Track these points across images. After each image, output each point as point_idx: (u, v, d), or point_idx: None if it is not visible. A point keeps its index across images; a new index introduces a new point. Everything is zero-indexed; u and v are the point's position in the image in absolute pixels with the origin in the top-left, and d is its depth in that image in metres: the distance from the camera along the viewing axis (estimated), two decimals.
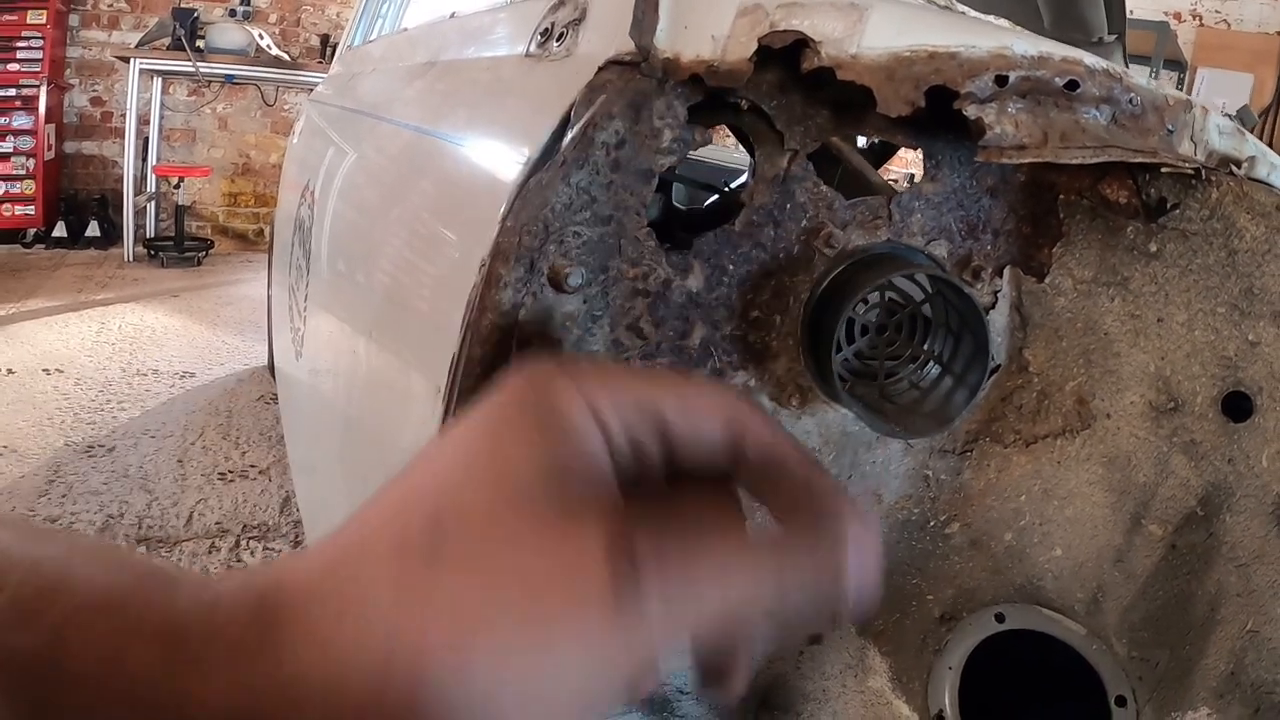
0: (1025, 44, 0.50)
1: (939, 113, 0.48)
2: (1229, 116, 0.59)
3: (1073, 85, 0.50)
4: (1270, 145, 0.58)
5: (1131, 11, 2.55)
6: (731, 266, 0.52)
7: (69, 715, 0.25)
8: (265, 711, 0.25)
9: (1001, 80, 0.48)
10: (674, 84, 0.47)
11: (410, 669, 0.24)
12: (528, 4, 0.73)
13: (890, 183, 0.61)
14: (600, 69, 0.48)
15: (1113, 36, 2.29)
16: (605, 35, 0.55)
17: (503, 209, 0.49)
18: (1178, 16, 5.92)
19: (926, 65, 0.47)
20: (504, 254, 0.46)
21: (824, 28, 0.46)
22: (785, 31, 0.45)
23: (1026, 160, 0.49)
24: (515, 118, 0.61)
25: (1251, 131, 0.61)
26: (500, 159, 0.58)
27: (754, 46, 0.45)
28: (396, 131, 0.98)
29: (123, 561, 0.28)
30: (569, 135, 0.47)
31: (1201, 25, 6.00)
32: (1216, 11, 6.01)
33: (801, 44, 0.46)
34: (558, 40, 0.62)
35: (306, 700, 0.25)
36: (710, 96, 0.48)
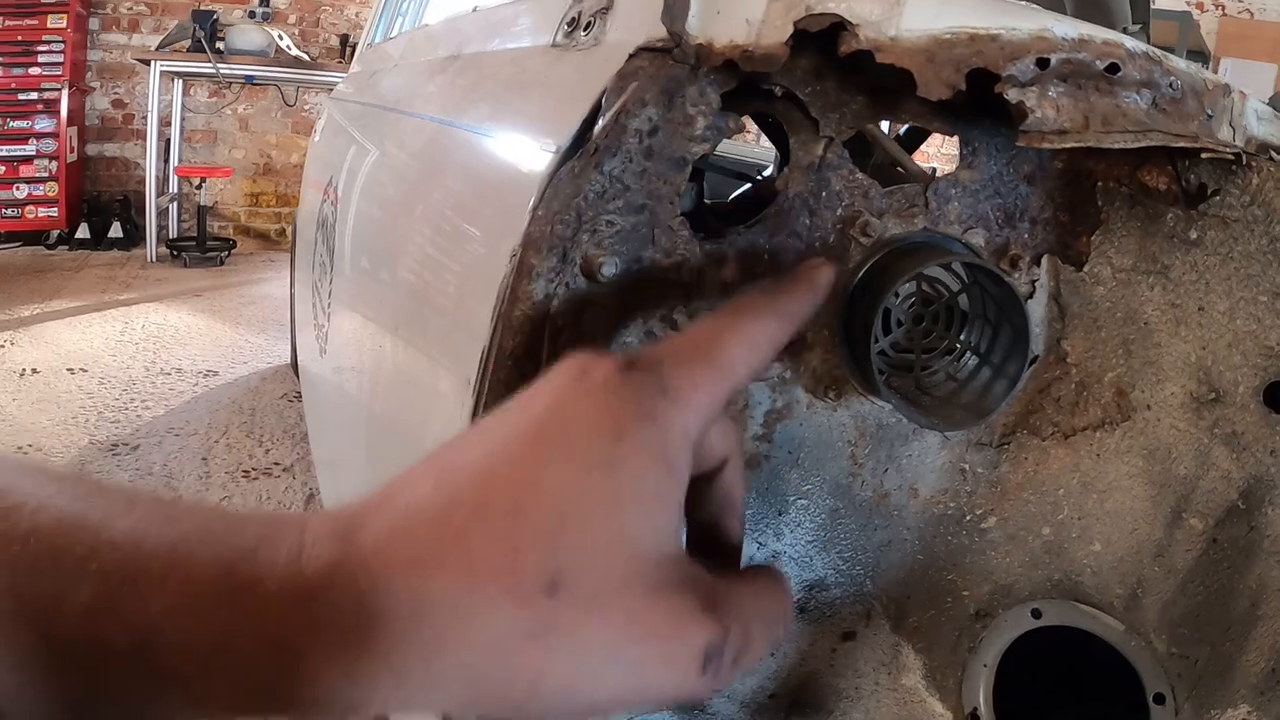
0: (1065, 26, 0.48)
1: (976, 97, 0.47)
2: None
3: (1114, 68, 0.49)
4: None
5: (1154, 1, 2.53)
6: (766, 256, 0.51)
7: (164, 709, 0.25)
8: (370, 704, 0.26)
9: (1043, 63, 0.47)
10: (707, 70, 0.46)
11: (525, 696, 0.27)
12: None
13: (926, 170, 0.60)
14: (631, 56, 0.47)
15: (1137, 26, 2.27)
16: (634, 23, 0.54)
17: (533, 199, 0.49)
18: (1200, 6, 5.86)
19: (967, 48, 0.46)
20: (536, 244, 0.46)
21: (861, 10, 0.45)
22: (822, 14, 0.44)
23: (1068, 145, 0.48)
24: (543, 108, 0.61)
25: None
26: (529, 149, 0.58)
27: (790, 30, 0.45)
28: (421, 125, 0.97)
29: (207, 530, 0.27)
30: (601, 123, 0.46)
31: (1224, 15, 5.94)
32: (1239, 1, 5.95)
33: (839, 27, 0.45)
34: (585, 29, 0.62)
35: (411, 701, 0.26)
36: (743, 83, 0.47)
